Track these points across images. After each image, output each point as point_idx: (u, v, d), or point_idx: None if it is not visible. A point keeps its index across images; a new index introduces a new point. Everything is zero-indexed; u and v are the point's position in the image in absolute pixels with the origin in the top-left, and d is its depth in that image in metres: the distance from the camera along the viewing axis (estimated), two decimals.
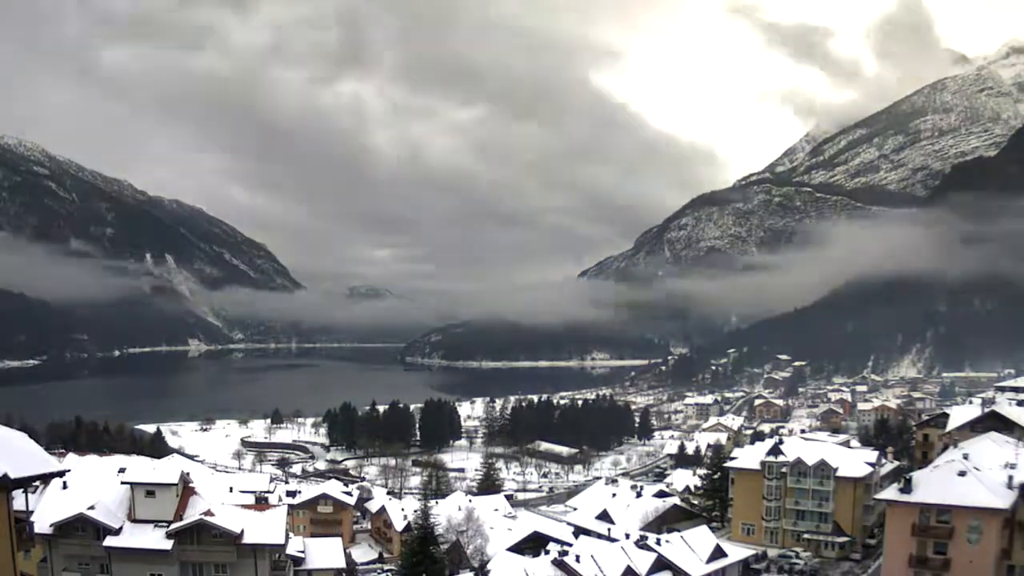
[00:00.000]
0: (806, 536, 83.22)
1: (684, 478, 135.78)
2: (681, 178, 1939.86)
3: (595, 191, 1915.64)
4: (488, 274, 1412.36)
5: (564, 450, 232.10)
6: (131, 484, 50.78)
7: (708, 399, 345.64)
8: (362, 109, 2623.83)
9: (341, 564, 75.84)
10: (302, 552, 71.03)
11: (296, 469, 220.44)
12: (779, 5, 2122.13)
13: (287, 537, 55.34)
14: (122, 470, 53.35)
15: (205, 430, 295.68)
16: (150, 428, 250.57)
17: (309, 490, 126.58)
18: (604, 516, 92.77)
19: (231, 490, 56.66)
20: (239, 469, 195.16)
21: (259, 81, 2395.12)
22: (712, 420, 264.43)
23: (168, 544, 48.72)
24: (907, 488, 59.77)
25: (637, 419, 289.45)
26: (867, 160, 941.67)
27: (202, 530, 49.33)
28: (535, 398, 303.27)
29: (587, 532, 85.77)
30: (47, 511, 49.18)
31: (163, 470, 54.41)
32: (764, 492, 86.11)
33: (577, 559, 64.34)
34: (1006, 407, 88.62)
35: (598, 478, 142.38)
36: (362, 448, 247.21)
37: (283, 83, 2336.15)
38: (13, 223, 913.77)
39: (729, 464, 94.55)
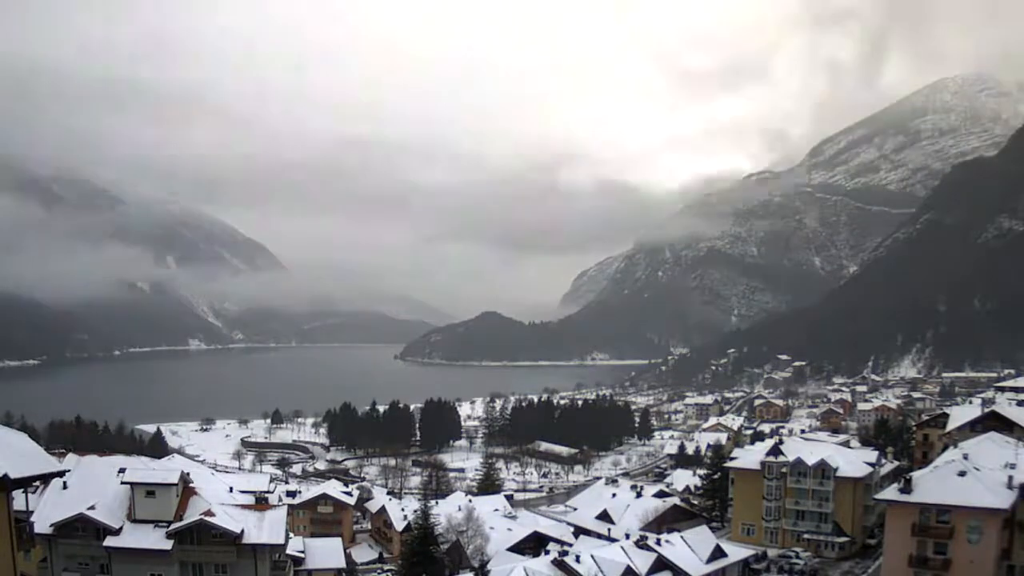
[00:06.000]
0: (806, 536, 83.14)
1: (684, 478, 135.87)
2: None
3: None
4: None
5: (564, 450, 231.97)
6: (131, 484, 50.72)
7: (708, 399, 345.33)
8: None
9: (341, 564, 76.01)
10: (302, 552, 71.20)
11: (296, 469, 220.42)
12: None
13: (287, 537, 55.34)
14: (122, 470, 53.20)
15: (205, 430, 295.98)
16: (150, 428, 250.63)
17: (309, 490, 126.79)
18: (604, 516, 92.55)
19: (231, 490, 56.51)
20: (239, 469, 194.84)
21: None
22: (712, 420, 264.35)
23: (168, 544, 48.68)
24: (907, 488, 59.67)
25: (637, 419, 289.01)
26: (867, 160, 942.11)
27: (202, 530, 49.28)
28: (535, 398, 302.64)
29: (587, 532, 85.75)
30: (47, 511, 49.16)
31: (163, 470, 54.43)
32: (764, 492, 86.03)
33: (577, 559, 64.23)
34: (1006, 407, 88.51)
35: (598, 478, 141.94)
36: (362, 448, 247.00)
37: None
38: (15, 223, 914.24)
39: (729, 464, 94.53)
